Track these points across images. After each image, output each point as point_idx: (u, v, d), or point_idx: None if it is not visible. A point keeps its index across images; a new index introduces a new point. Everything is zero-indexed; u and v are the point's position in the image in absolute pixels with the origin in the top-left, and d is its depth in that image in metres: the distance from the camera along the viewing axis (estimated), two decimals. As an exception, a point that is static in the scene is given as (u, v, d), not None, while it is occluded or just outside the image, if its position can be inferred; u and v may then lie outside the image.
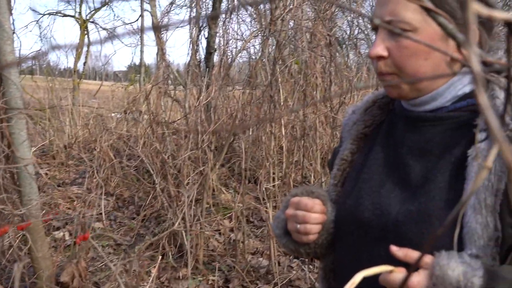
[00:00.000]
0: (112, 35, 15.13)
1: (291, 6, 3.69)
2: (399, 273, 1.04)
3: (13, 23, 2.86)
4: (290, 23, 4.65)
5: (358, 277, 0.96)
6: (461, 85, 1.17)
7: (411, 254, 1.07)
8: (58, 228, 3.99)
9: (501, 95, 1.09)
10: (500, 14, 0.44)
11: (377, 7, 1.19)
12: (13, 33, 2.80)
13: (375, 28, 1.21)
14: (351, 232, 1.26)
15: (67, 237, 3.83)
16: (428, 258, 1.05)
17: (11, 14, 2.80)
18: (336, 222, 1.30)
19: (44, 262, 3.06)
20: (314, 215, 1.24)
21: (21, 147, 2.92)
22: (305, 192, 1.31)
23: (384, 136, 1.32)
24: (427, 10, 0.49)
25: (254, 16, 4.99)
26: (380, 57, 1.16)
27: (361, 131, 1.36)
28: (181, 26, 6.07)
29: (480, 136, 1.09)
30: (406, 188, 1.19)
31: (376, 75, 1.24)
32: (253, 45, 4.69)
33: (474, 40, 0.31)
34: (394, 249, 1.07)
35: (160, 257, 3.17)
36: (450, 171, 1.13)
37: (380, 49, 1.16)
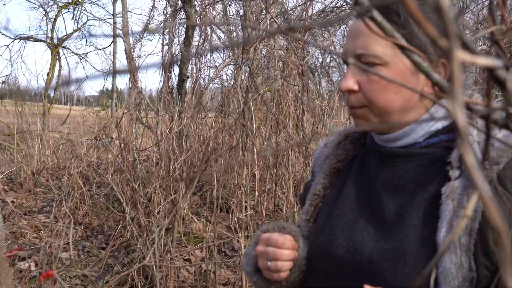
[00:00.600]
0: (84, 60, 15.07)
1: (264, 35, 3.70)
2: None
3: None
4: (263, 51, 4.69)
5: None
6: (434, 121, 1.17)
7: None
8: (23, 259, 3.88)
9: (473, 132, 1.10)
10: (483, 61, 0.44)
11: (348, 40, 1.19)
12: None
13: (346, 61, 1.22)
14: (324, 268, 1.24)
15: (32, 268, 3.72)
16: None
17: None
18: (308, 258, 1.28)
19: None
20: (285, 251, 1.22)
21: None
22: (276, 228, 1.29)
23: (357, 171, 1.31)
24: (401, 48, 0.48)
25: (227, 43, 5.00)
26: (351, 91, 1.16)
27: (334, 166, 1.35)
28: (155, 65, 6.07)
29: (453, 173, 1.08)
30: (380, 225, 1.18)
31: (348, 108, 1.23)
32: (226, 73, 4.69)
33: (458, 88, 0.30)
34: None
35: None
36: (424, 209, 1.12)
37: (351, 83, 1.15)
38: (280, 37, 4.35)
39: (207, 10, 4.81)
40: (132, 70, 4.89)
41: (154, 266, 3.43)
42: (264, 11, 3.80)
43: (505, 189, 1.04)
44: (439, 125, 1.17)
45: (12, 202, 4.90)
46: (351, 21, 1.22)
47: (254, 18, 4.25)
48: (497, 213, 0.32)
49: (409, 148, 1.19)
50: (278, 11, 4.62)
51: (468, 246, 1.03)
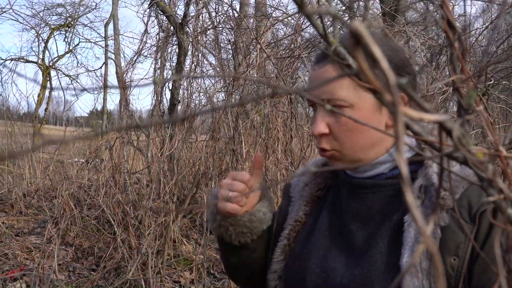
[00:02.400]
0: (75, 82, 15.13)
1: (253, 64, 3.83)
2: None
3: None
4: (254, 75, 4.81)
5: None
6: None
7: None
8: (15, 279, 3.92)
9: (433, 164, 1.18)
10: (430, 117, 0.54)
11: (312, 85, 1.28)
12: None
13: (312, 105, 1.28)
14: None
15: (23, 289, 3.75)
16: None
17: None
18: (285, 282, 1.35)
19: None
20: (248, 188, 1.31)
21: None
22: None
23: (331, 201, 1.38)
24: (380, 101, 0.58)
25: (218, 70, 5.13)
26: (323, 134, 1.23)
27: (315, 194, 1.42)
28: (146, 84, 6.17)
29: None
30: (351, 253, 1.25)
31: (318, 150, 1.30)
32: (217, 99, 4.80)
33: (402, 143, 0.39)
34: None
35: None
36: (389, 237, 1.20)
37: (322, 127, 1.22)
38: (270, 66, 4.49)
39: (199, 36, 4.94)
40: (125, 88, 4.99)
41: (144, 287, 3.50)
42: (254, 40, 3.94)
43: (461, 218, 1.12)
44: None
45: (3, 223, 4.94)
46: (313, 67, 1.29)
47: (245, 46, 4.38)
48: (432, 244, 0.42)
49: (375, 179, 1.27)
50: (269, 40, 4.77)
51: (429, 270, 1.10)
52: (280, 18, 3.51)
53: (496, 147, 0.94)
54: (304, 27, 4.13)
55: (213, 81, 5.19)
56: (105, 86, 13.90)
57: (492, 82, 1.91)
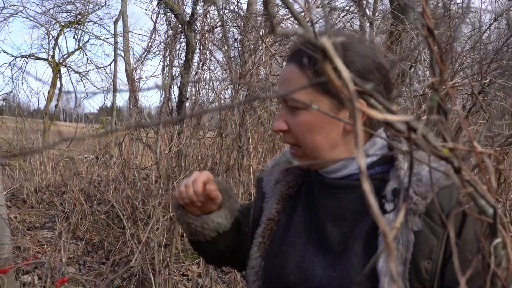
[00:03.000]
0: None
1: (259, 62, 3.91)
2: None
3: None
4: (261, 72, 4.87)
5: None
6: (370, 153, 1.28)
7: None
8: (27, 272, 4.02)
9: (404, 165, 1.21)
10: (395, 117, 0.61)
11: (279, 84, 1.30)
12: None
13: (281, 102, 1.32)
14: None
15: (36, 281, 3.86)
16: None
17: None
18: (263, 281, 1.38)
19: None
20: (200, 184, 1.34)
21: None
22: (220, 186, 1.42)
23: (304, 199, 1.40)
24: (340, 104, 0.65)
25: (225, 68, 5.20)
26: (283, 131, 1.28)
27: (285, 192, 1.44)
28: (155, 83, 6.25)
29: (388, 206, 1.19)
30: (328, 253, 1.27)
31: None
32: (224, 96, 4.88)
33: (359, 140, 0.44)
34: None
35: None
36: (364, 240, 1.22)
37: (281, 124, 1.26)
38: (275, 64, 4.55)
39: (207, 34, 5.01)
40: (134, 91, 5.07)
41: (153, 280, 3.58)
42: (260, 40, 4.01)
43: (432, 221, 1.15)
44: (373, 157, 1.28)
45: (15, 217, 5.05)
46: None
47: (251, 45, 4.45)
48: (391, 243, 0.49)
49: (347, 179, 1.29)
50: (274, 38, 4.82)
51: (404, 274, 1.14)
52: (286, 17, 3.57)
53: (471, 144, 1.02)
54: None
55: (220, 78, 5.27)
56: (115, 89, 14.02)
57: (488, 80, 1.97)
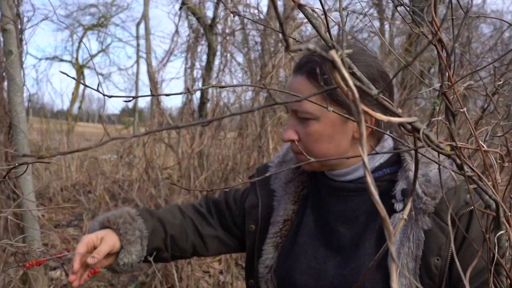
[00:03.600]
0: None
1: (280, 65, 4.00)
2: None
3: (24, 76, 3.10)
4: (281, 75, 4.96)
5: None
6: (378, 157, 1.33)
7: None
8: (54, 268, 4.16)
9: (412, 167, 1.25)
10: (399, 119, 0.70)
11: (287, 96, 1.32)
12: (23, 85, 3.05)
13: (291, 112, 1.34)
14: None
15: (63, 277, 3.99)
16: None
17: (22, 68, 3.06)
18: (277, 281, 1.43)
19: (43, 300, 3.23)
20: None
21: (26, 191, 3.13)
22: (115, 225, 1.42)
23: (312, 200, 1.44)
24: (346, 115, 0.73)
25: (246, 70, 5.30)
26: (292, 140, 1.32)
27: (301, 193, 1.47)
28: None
29: (397, 206, 1.25)
30: (339, 253, 1.32)
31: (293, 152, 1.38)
32: (245, 98, 4.97)
33: (364, 143, 0.49)
34: None
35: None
36: (375, 239, 1.28)
37: (291, 134, 1.31)
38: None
39: (228, 38, 5.12)
40: (156, 91, 5.18)
41: (176, 276, 3.69)
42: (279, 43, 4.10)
43: (442, 221, 1.21)
44: (382, 160, 1.33)
45: (43, 216, 5.20)
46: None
47: (271, 48, 4.54)
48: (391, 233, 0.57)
49: (356, 182, 1.34)
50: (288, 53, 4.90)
51: (415, 270, 1.21)
52: (305, 20, 3.65)
53: (477, 143, 1.11)
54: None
55: (241, 80, 5.36)
56: (137, 96, 14.23)
57: (502, 82, 2.03)
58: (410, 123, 0.74)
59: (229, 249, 1.64)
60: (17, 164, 0.81)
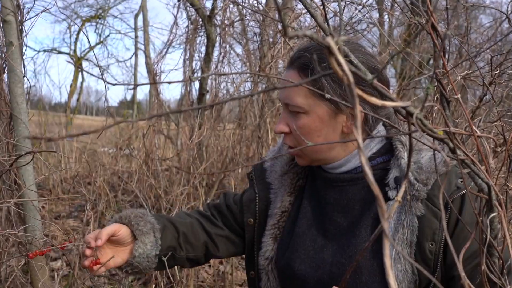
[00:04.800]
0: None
1: (279, 55, 4.01)
2: None
3: (24, 67, 3.12)
4: (280, 65, 4.97)
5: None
6: (372, 146, 1.37)
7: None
8: (55, 259, 4.20)
9: (404, 155, 1.29)
10: (393, 103, 0.72)
11: (280, 90, 1.39)
12: (24, 76, 3.07)
13: (283, 106, 1.40)
14: (290, 282, 1.43)
15: (64, 267, 4.03)
16: None
17: (22, 59, 3.08)
18: (277, 272, 1.47)
19: (44, 290, 3.26)
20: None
21: (28, 181, 3.16)
22: (127, 219, 1.48)
23: (309, 191, 1.48)
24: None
25: (245, 61, 5.31)
26: (285, 133, 1.37)
27: (297, 184, 1.52)
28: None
29: (391, 194, 1.29)
30: (336, 242, 1.36)
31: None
32: (244, 88, 4.99)
33: (359, 132, 0.51)
34: None
35: (153, 286, 3.38)
36: (371, 226, 1.32)
37: (283, 127, 1.37)
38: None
39: (227, 29, 5.12)
40: (155, 80, 5.19)
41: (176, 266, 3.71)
42: (278, 34, 4.11)
43: (434, 206, 1.24)
44: (374, 149, 1.37)
45: (43, 207, 5.23)
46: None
47: (270, 39, 4.55)
48: (387, 229, 0.59)
49: (351, 173, 1.38)
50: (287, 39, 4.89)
51: (410, 256, 1.24)
52: (304, 11, 3.67)
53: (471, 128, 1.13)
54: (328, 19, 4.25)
55: (240, 71, 5.38)
56: (139, 84, 14.23)
57: (498, 71, 2.05)
58: (404, 108, 0.76)
59: (238, 248, 1.67)
60: (23, 153, 0.83)
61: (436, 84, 1.02)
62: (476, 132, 1.01)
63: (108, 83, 0.78)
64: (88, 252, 1.39)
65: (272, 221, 1.51)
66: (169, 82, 0.76)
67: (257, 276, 1.55)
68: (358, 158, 1.36)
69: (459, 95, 1.11)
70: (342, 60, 0.57)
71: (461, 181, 1.23)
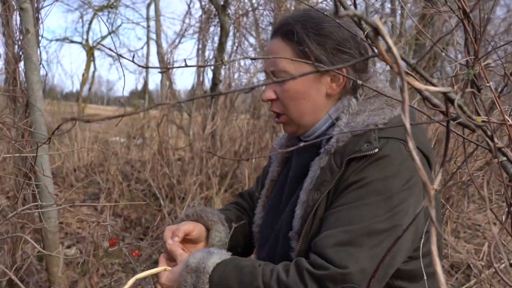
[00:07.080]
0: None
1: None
2: (165, 272, 1.34)
3: (40, 55, 3.12)
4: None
5: (131, 280, 1.27)
6: (334, 116, 1.40)
7: (176, 252, 1.37)
8: (69, 246, 4.22)
9: (345, 118, 1.35)
10: (435, 88, 0.71)
11: (264, 59, 1.44)
12: (40, 64, 3.08)
13: (266, 74, 1.45)
14: (265, 239, 1.53)
15: (78, 254, 4.05)
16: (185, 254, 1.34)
17: (38, 47, 3.09)
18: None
19: (59, 277, 3.28)
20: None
21: (43, 168, 3.17)
22: (195, 215, 1.56)
23: (292, 160, 1.55)
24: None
25: (258, 51, 5.29)
26: (271, 100, 1.42)
27: (285, 155, 1.60)
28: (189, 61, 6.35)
29: (321, 150, 1.36)
30: (289, 204, 1.44)
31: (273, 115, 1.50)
32: (257, 78, 4.97)
33: (406, 102, 0.50)
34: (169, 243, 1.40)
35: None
36: (301, 174, 1.42)
37: (270, 94, 1.41)
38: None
39: (241, 18, 5.10)
40: (168, 70, 5.19)
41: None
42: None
43: (334, 161, 1.30)
44: (328, 123, 1.42)
45: (56, 195, 5.26)
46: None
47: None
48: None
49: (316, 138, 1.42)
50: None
51: (308, 203, 1.31)
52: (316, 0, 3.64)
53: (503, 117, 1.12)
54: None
55: (253, 61, 5.36)
56: (167, 68, 14.18)
57: (518, 61, 2.04)
58: (444, 93, 0.75)
59: None
60: (55, 130, 0.82)
61: (474, 69, 1.01)
62: (508, 121, 1.00)
63: (140, 65, 0.77)
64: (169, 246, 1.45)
65: (263, 190, 1.60)
66: (199, 66, 0.75)
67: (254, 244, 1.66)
68: (323, 124, 1.41)
69: (490, 83, 1.10)
70: (391, 42, 0.56)
71: (367, 145, 1.25)
